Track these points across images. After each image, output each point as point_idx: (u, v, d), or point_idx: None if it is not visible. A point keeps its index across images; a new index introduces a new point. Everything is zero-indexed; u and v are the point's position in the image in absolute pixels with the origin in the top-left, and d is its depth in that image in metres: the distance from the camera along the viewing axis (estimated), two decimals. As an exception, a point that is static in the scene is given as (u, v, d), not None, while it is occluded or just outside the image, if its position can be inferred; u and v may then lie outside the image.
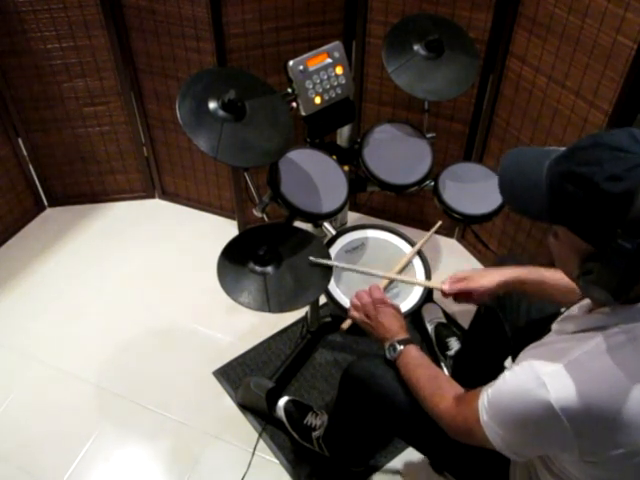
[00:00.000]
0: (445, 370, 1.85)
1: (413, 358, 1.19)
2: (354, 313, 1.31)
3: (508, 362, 1.58)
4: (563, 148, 0.87)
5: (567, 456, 0.92)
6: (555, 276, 1.20)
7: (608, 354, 0.84)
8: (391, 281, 1.46)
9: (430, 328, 1.97)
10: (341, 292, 1.46)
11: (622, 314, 0.86)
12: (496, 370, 1.59)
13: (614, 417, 0.82)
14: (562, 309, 1.04)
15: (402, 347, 1.21)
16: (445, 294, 1.34)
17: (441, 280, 1.36)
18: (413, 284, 1.47)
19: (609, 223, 0.78)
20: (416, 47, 1.63)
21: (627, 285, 0.79)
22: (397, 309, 1.31)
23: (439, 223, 1.56)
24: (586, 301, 0.96)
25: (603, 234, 0.79)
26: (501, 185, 0.93)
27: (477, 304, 1.43)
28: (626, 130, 0.81)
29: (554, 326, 0.99)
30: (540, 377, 0.85)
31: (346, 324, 1.36)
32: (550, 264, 1.00)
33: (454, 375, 1.78)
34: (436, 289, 1.37)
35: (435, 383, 1.13)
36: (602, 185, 0.77)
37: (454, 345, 1.86)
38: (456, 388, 1.10)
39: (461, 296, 1.33)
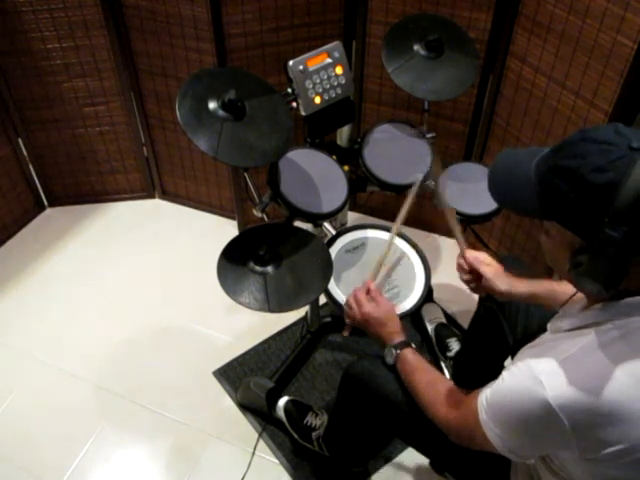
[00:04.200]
0: (445, 371, 1.85)
1: (409, 363, 1.19)
2: (350, 313, 1.31)
3: (508, 362, 1.58)
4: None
5: (567, 454, 0.92)
6: (566, 288, 1.20)
7: (602, 350, 0.84)
8: (388, 277, 1.46)
9: (430, 328, 1.97)
10: (341, 292, 1.46)
11: (614, 309, 0.86)
12: (496, 370, 1.58)
13: (611, 413, 0.82)
14: (557, 308, 1.04)
15: (398, 351, 1.21)
16: (464, 258, 1.34)
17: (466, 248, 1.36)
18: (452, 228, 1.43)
19: (596, 214, 0.79)
20: (416, 47, 1.63)
21: (617, 275, 0.81)
22: (391, 310, 1.30)
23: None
24: (581, 300, 0.96)
25: (591, 225, 0.80)
26: (490, 183, 0.95)
27: (478, 293, 1.42)
28: (612, 125, 0.83)
29: (549, 325, 0.99)
30: (537, 375, 0.85)
31: (346, 332, 1.36)
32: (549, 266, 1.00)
33: (454, 376, 1.78)
34: (460, 246, 1.37)
35: (433, 388, 1.13)
36: (587, 177, 0.79)
37: (454, 346, 1.86)
38: (455, 391, 1.10)
39: (473, 274, 1.33)
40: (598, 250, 0.80)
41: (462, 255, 1.35)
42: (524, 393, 0.87)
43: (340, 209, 1.55)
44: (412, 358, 1.20)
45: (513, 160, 0.94)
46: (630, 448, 0.84)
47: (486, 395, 0.96)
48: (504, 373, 0.94)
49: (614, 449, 0.84)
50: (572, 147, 0.83)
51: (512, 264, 1.47)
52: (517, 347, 1.02)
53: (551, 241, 0.91)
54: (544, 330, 1.01)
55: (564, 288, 1.21)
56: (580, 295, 0.96)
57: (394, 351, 1.21)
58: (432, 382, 1.15)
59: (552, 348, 0.89)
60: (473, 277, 1.34)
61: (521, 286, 1.28)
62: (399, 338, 1.23)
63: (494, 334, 1.48)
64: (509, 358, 1.53)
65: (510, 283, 1.29)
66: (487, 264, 1.32)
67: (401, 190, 1.68)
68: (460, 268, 1.36)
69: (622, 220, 0.77)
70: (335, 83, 1.56)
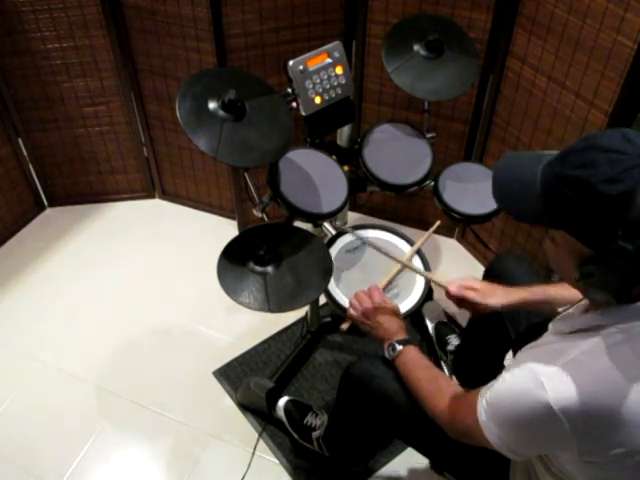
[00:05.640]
0: (445, 369, 1.85)
1: (412, 358, 1.19)
2: (353, 314, 1.31)
3: (508, 357, 1.58)
4: (556, 152, 0.87)
5: (566, 456, 0.92)
6: (560, 292, 1.20)
7: (606, 353, 0.84)
8: (390, 281, 1.46)
9: (430, 327, 1.97)
10: (341, 292, 1.46)
11: (619, 313, 0.86)
12: (496, 365, 1.59)
13: (613, 416, 0.82)
14: (559, 309, 1.04)
15: (401, 347, 1.21)
16: (449, 295, 1.33)
17: (446, 279, 1.35)
18: (421, 275, 1.47)
19: (608, 225, 0.78)
20: (416, 47, 1.63)
21: (629, 286, 0.80)
22: (396, 310, 1.31)
23: (438, 223, 1.56)
24: (583, 301, 0.96)
25: (602, 236, 0.79)
26: (495, 191, 0.93)
27: (475, 315, 1.43)
28: (619, 131, 0.81)
29: (551, 326, 0.99)
30: (538, 378, 0.85)
31: (345, 325, 1.36)
32: (549, 266, 1.00)
33: (454, 371, 1.79)
34: (442, 287, 1.36)
35: (434, 384, 1.13)
36: (599, 187, 0.77)
37: (454, 341, 1.86)
38: (455, 389, 1.10)
39: (464, 304, 1.32)
40: (610, 262, 0.79)
41: (446, 293, 1.33)
42: (525, 394, 0.87)
43: (340, 209, 1.55)
44: (415, 355, 1.20)
45: (517, 165, 0.92)
46: (631, 452, 0.84)
47: (486, 395, 0.96)
48: (504, 374, 0.94)
49: (614, 452, 0.84)
50: (579, 155, 0.81)
51: (511, 263, 1.47)
52: (520, 341, 1.02)
53: (557, 248, 0.89)
54: (545, 328, 1.00)
55: (559, 292, 1.21)
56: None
57: (397, 346, 1.21)
58: (434, 378, 1.15)
59: (554, 350, 0.89)
60: (467, 306, 1.32)
61: (514, 295, 1.28)
62: (403, 335, 1.24)
63: (494, 329, 1.48)
64: (510, 352, 1.53)
65: (503, 296, 1.28)
66: (474, 288, 1.30)
67: (401, 190, 1.68)
68: (452, 300, 1.35)
69: (636, 232, 0.76)
70: (335, 83, 1.56)
